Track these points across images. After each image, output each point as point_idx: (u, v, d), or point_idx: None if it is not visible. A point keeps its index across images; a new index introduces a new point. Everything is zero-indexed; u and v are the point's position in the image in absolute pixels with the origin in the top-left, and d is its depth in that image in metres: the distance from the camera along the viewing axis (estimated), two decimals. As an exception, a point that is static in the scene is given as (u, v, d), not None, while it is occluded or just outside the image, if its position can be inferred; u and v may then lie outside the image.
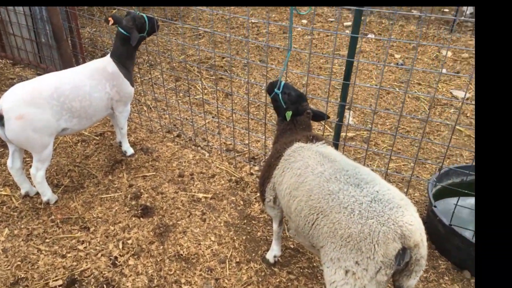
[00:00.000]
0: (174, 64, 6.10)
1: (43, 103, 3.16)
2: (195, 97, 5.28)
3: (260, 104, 5.17)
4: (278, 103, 2.75)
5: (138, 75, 5.50)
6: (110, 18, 3.67)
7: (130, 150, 4.14)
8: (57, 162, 3.99)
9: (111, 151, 4.21)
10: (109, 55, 3.74)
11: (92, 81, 3.50)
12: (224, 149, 4.36)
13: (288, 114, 2.67)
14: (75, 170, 3.92)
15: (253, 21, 7.55)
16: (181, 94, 5.35)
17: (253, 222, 3.45)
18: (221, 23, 7.59)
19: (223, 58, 6.32)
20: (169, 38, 6.60)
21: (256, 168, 4.09)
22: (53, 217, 3.42)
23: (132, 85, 3.84)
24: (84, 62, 4.80)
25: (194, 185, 3.85)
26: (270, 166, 2.64)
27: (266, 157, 3.45)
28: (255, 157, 4.23)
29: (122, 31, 3.58)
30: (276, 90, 2.75)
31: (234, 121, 4.86)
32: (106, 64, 3.64)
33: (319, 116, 2.82)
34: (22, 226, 3.32)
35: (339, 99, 3.36)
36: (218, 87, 5.50)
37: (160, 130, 4.62)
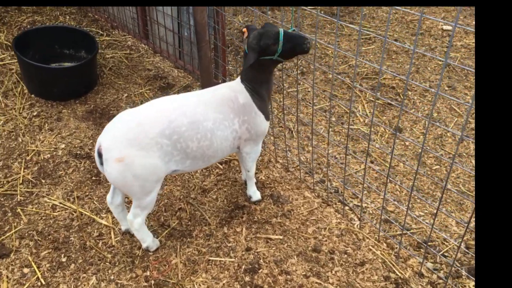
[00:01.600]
0: (330, 76, 4.93)
1: (149, 143, 2.35)
2: (352, 126, 4.06)
3: (446, 154, 3.70)
4: None
5: (286, 85, 4.49)
6: (244, 30, 2.67)
7: (256, 195, 3.17)
8: (169, 193, 3.24)
9: (234, 189, 3.31)
10: (239, 79, 2.77)
11: (217, 114, 2.59)
12: (383, 219, 3.08)
13: None
14: (187, 209, 3.11)
15: (444, 28, 5.86)
16: (333, 120, 4.18)
17: None
18: (399, 25, 6.08)
19: (396, 76, 4.90)
20: (329, 39, 5.43)
21: (433, 263, 2.73)
22: (148, 272, 2.67)
23: (268, 119, 2.82)
24: (224, 72, 3.97)
25: (333, 272, 2.70)
26: None
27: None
28: (432, 243, 2.86)
29: (245, 49, 2.57)
30: None
31: (404, 176, 3.52)
32: (236, 92, 2.69)
33: None
34: (112, 277, 2.63)
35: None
36: (383, 118, 4.17)
37: (299, 169, 3.55)
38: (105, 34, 5.33)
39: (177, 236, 2.92)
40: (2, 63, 4.45)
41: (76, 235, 2.89)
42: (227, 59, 3.95)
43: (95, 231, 2.93)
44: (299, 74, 4.83)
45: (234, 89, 2.70)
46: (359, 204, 3.23)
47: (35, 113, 3.90)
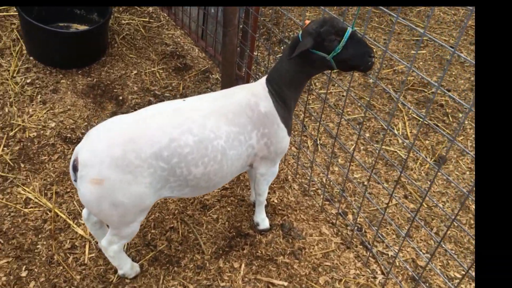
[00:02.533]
0: (371, 80, 4.27)
1: (140, 166, 1.84)
2: (387, 147, 3.45)
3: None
4: None
5: (317, 84, 3.88)
6: (306, 21, 2.07)
7: (264, 224, 2.65)
8: (162, 204, 2.75)
9: (239, 209, 2.79)
10: (264, 79, 2.20)
11: (231, 128, 2.04)
12: (410, 275, 2.54)
13: None
14: (180, 229, 2.62)
15: None
16: (367, 136, 3.58)
17: None
18: (457, 29, 5.29)
19: (445, 93, 4.21)
20: (375, 35, 4.72)
21: None
22: (120, 304, 2.22)
23: (290, 134, 2.27)
24: (250, 63, 3.36)
25: None
26: None
27: None
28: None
29: (299, 36, 1.99)
30: None
31: (442, 221, 2.93)
32: (258, 97, 2.14)
33: None
34: (76, 304, 2.19)
35: None
36: (425, 142, 3.54)
37: (319, 194, 3.00)
38: (125, -6, 4.74)
39: (163, 262, 2.44)
40: (5, 14, 3.93)
41: (45, 243, 2.44)
42: (255, 49, 3.33)
43: (68, 241, 2.47)
44: (334, 72, 4.19)
45: (255, 93, 2.14)
46: (385, 251, 2.68)
47: (29, 80, 3.40)
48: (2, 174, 2.76)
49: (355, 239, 2.74)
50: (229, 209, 2.78)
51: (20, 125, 3.07)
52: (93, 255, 2.42)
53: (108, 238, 2.07)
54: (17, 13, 3.76)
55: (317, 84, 3.99)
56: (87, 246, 2.45)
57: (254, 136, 2.12)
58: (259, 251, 2.56)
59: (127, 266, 2.26)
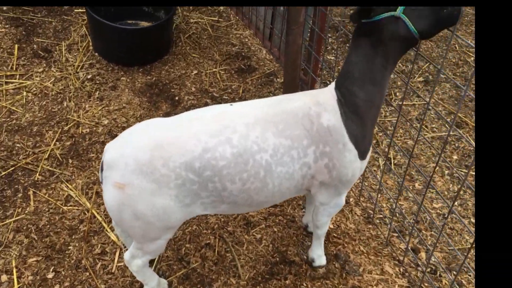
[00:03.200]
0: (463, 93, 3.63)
1: (166, 176, 1.58)
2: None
3: None
4: None
5: (398, 94, 3.39)
6: None
7: (320, 260, 2.22)
8: (202, 217, 2.48)
9: (287, 231, 2.42)
10: (332, 85, 1.80)
11: (281, 140, 1.68)
12: None
13: None
14: (216, 247, 2.32)
15: None
16: (454, 158, 3.00)
17: None
18: None
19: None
20: (473, 37, 4.05)
21: None
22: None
23: (364, 157, 1.83)
24: (316, 67, 2.97)
25: None
26: None
27: None
28: None
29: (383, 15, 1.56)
30: None
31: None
32: (321, 106, 1.74)
33: None
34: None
35: None
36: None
37: (386, 224, 2.52)
38: (199, -6, 4.64)
39: (194, 281, 2.17)
40: (77, 11, 4.02)
41: (77, 245, 2.30)
42: (322, 51, 2.94)
43: (99, 245, 2.31)
44: (421, 82, 3.64)
45: (318, 101, 1.74)
46: (464, 305, 2.13)
47: (89, 76, 3.39)
48: (50, 168, 2.71)
49: (425, 284, 2.22)
50: (275, 229, 2.43)
51: (75, 120, 3.03)
52: (122, 264, 2.22)
53: (132, 251, 1.84)
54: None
55: (397, 94, 3.48)
56: (117, 254, 2.26)
57: (311, 153, 1.72)
58: (304, 284, 2.17)
59: (153, 282, 2.02)
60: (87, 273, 2.18)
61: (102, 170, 1.65)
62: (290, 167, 1.71)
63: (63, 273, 2.18)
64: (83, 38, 3.72)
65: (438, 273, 2.29)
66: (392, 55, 1.63)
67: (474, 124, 3.24)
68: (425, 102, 3.45)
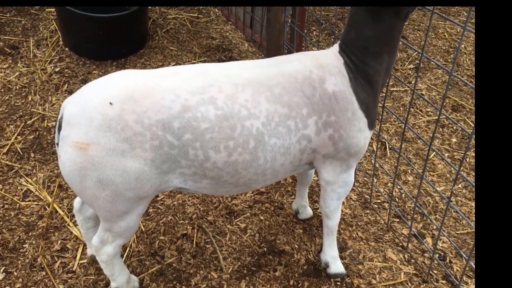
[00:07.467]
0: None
1: (140, 134, 1.33)
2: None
3: None
4: None
5: (390, 81, 3.19)
6: None
7: (337, 266, 1.87)
8: (178, 205, 2.19)
9: (273, 220, 2.15)
10: (335, 46, 1.58)
11: (276, 107, 1.45)
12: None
13: None
14: (195, 238, 2.03)
15: None
16: (453, 141, 2.79)
17: None
18: None
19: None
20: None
21: None
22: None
23: (372, 127, 1.60)
24: (300, 44, 2.77)
25: None
26: None
27: None
28: None
29: None
30: None
31: None
32: (325, 69, 1.51)
33: None
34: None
35: None
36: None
37: (383, 208, 2.26)
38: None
39: (169, 277, 1.86)
40: (48, 10, 3.80)
41: (33, 242, 2.00)
42: (305, 28, 2.75)
43: (59, 242, 2.00)
44: (411, 69, 3.45)
45: (321, 63, 1.51)
46: (480, 292, 1.85)
47: (57, 69, 3.14)
48: (9, 163, 2.42)
49: (435, 271, 1.95)
50: (262, 218, 2.15)
51: (39, 114, 2.76)
52: (85, 261, 1.91)
53: (100, 235, 1.54)
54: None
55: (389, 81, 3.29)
56: (79, 250, 1.96)
57: (312, 124, 1.48)
58: (296, 275, 1.88)
59: (122, 279, 1.71)
60: (43, 273, 1.86)
61: (59, 129, 1.38)
62: (286, 140, 1.47)
63: (15, 273, 1.86)
64: (53, 33, 3.49)
65: (448, 258, 2.02)
66: (404, 20, 1.47)
67: (471, 107, 3.05)
68: (415, 88, 3.26)
